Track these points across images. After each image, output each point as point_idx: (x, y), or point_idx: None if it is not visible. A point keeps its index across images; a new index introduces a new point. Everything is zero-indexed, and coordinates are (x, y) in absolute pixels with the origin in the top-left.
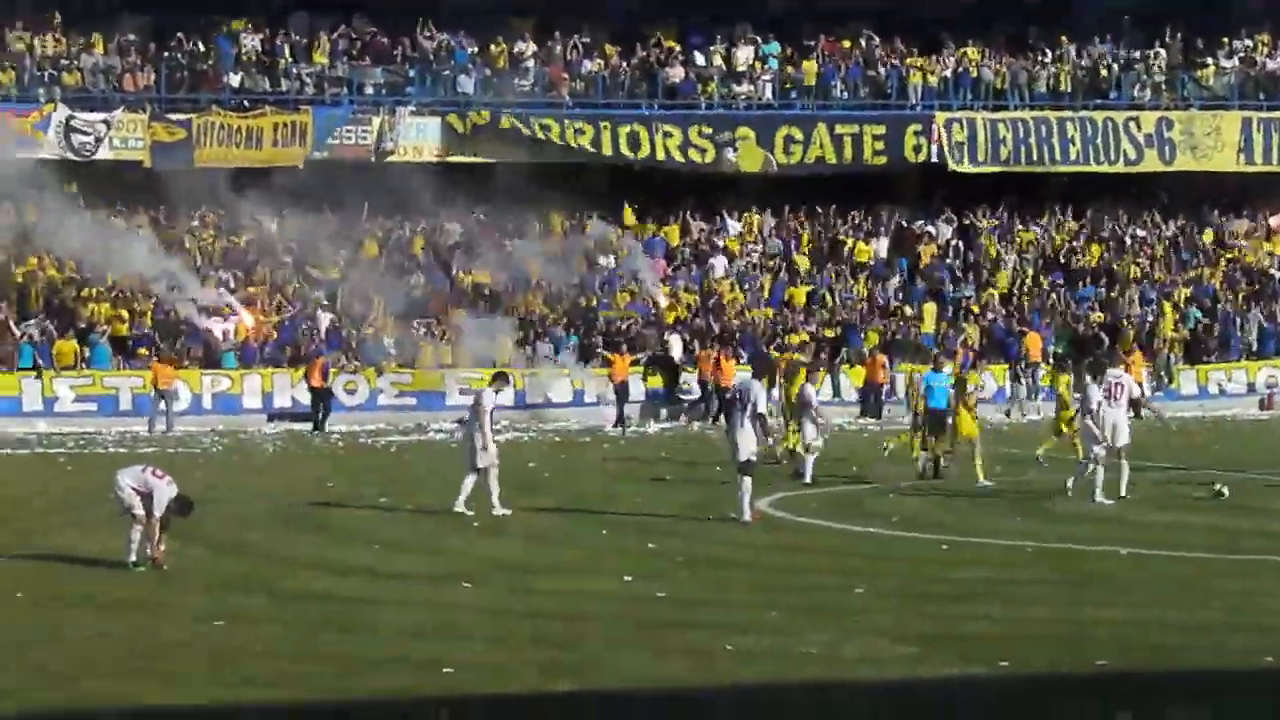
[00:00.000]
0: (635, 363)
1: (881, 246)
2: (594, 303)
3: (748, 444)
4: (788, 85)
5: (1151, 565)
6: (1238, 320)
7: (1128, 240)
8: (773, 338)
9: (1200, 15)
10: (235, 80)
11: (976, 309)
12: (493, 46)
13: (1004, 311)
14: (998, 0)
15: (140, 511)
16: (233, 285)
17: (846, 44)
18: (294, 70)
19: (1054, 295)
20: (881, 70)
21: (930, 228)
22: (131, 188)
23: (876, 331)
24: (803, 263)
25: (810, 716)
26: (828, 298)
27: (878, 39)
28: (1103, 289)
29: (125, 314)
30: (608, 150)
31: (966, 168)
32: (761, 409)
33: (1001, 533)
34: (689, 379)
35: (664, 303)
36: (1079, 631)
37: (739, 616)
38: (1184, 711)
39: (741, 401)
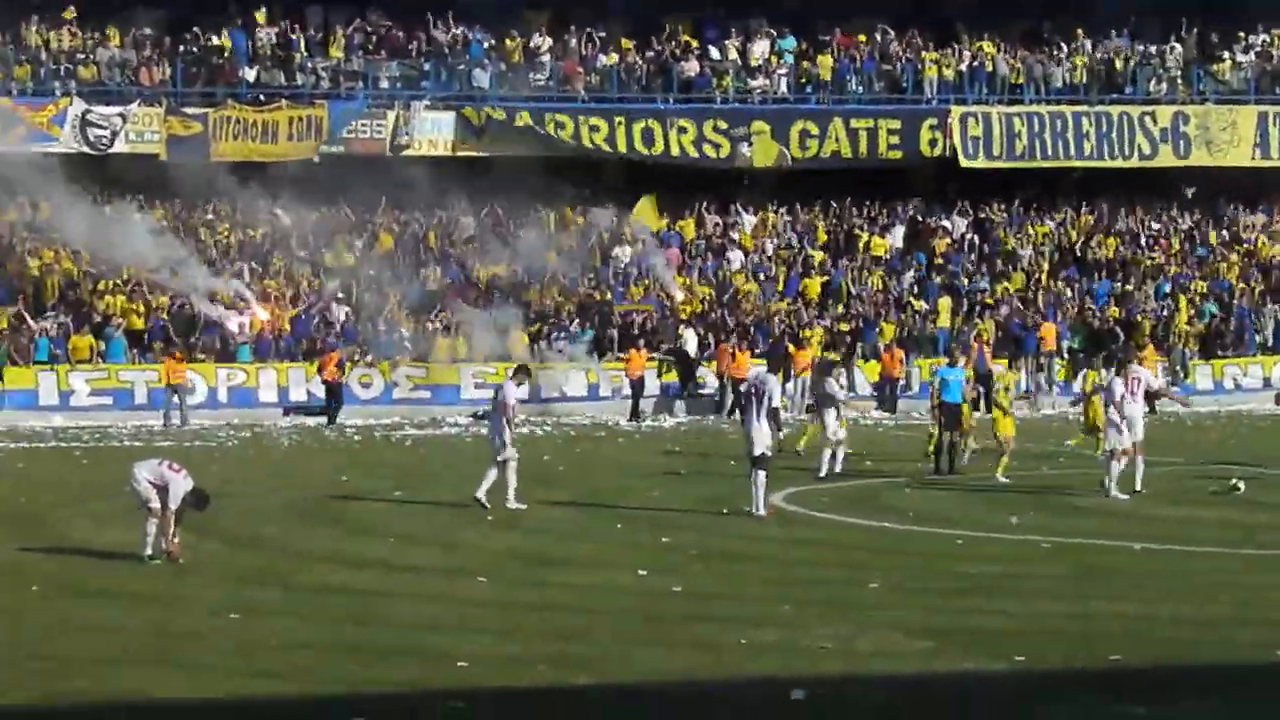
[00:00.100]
0: (651, 357)
1: (896, 240)
2: (608, 296)
3: (763, 438)
4: (803, 79)
5: (1164, 560)
6: (1253, 315)
7: (1143, 235)
8: (787, 331)
9: (1216, 9)
10: (250, 74)
11: (991, 302)
12: (507, 41)
13: (1019, 306)
14: None
15: (156, 505)
16: (247, 279)
17: (862, 38)
18: (309, 64)
19: (1069, 289)
20: (897, 64)
21: (945, 222)
22: (147, 181)
23: (892, 325)
24: (818, 257)
25: (824, 711)
26: (843, 291)
27: (893, 33)
28: (1118, 283)
29: (140, 308)
30: (622, 146)
31: (981, 162)
32: (776, 403)
33: (1015, 528)
34: (704, 373)
35: (679, 297)
36: (1092, 626)
37: (753, 610)
38: (1195, 705)
39: (757, 396)
